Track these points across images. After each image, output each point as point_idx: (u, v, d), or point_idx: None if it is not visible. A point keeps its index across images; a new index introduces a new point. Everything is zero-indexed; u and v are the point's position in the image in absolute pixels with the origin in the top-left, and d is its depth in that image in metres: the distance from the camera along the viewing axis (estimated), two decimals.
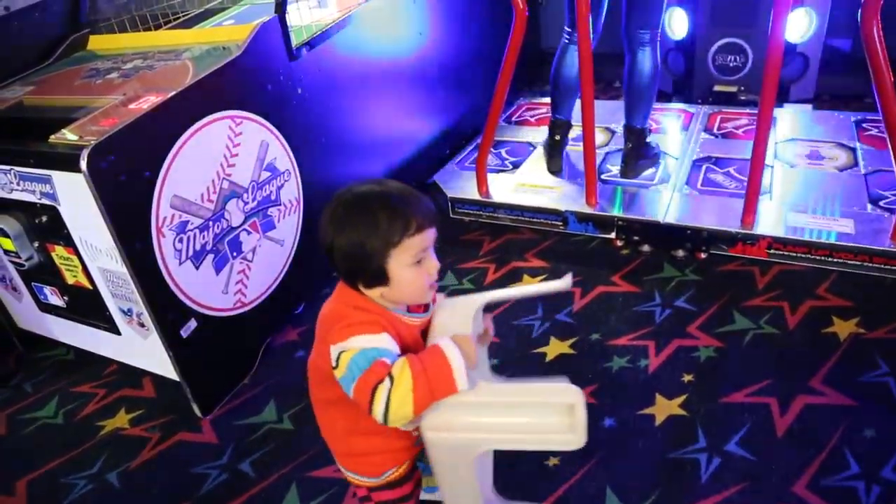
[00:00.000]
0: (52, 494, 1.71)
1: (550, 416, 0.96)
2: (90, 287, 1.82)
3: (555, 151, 2.59)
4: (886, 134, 1.85)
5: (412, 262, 0.99)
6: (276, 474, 1.66)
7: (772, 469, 1.49)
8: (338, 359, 0.99)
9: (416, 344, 1.08)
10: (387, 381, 0.94)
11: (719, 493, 1.45)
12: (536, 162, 2.72)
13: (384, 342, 0.99)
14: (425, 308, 1.10)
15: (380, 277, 1.00)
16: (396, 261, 0.99)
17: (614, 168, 2.58)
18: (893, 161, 1.87)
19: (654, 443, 1.60)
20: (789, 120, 2.80)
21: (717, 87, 3.09)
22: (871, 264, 2.01)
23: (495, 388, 1.01)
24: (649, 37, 2.30)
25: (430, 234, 1.01)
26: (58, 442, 1.88)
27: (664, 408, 1.68)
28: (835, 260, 2.04)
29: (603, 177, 2.52)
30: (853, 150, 2.51)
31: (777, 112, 2.75)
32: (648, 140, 2.53)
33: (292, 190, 2.05)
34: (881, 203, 2.18)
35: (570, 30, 2.40)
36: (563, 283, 1.09)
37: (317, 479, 1.62)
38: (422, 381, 0.94)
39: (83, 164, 1.47)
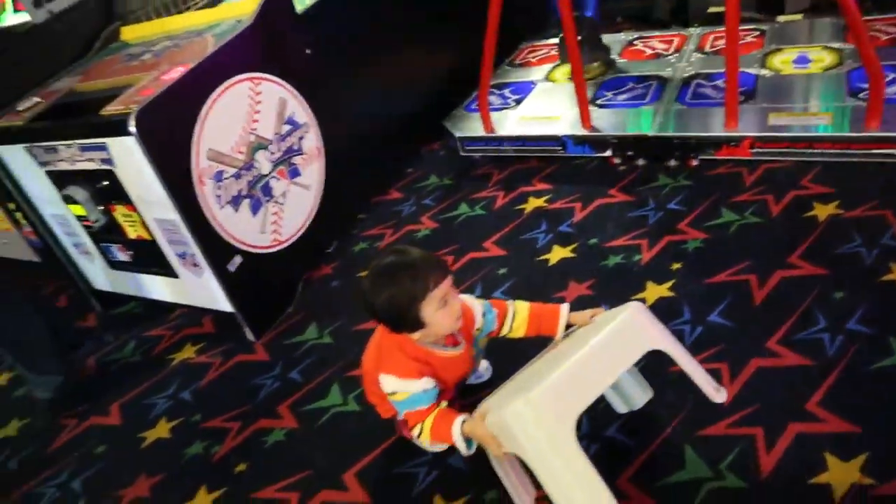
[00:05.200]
0: (140, 412, 2.04)
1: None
2: (150, 238, 2.12)
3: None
4: (850, 29, 1.96)
5: (439, 308, 1.31)
6: (321, 377, 1.95)
7: (748, 331, 1.67)
8: (392, 393, 1.41)
9: (449, 370, 1.46)
10: (417, 428, 1.39)
11: (700, 353, 1.64)
12: (538, 96, 2.90)
13: (424, 385, 1.38)
14: (455, 343, 1.46)
15: (417, 324, 1.33)
16: (426, 310, 1.31)
17: (609, 93, 2.75)
18: (861, 54, 1.99)
19: None
20: (781, 30, 2.90)
21: (711, 9, 3.18)
22: (851, 151, 2.13)
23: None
24: None
25: (446, 284, 1.32)
26: (138, 374, 2.21)
27: (654, 291, 1.88)
28: (816, 151, 2.17)
29: (598, 102, 2.68)
30: (839, 51, 2.60)
31: (769, 25, 2.87)
32: (601, 37, 2.93)
33: (313, 140, 2.30)
34: (860, 96, 2.28)
35: None
36: (718, 393, 1.32)
37: (354, 378, 1.90)
38: (435, 435, 1.38)
39: (132, 127, 1.75)
